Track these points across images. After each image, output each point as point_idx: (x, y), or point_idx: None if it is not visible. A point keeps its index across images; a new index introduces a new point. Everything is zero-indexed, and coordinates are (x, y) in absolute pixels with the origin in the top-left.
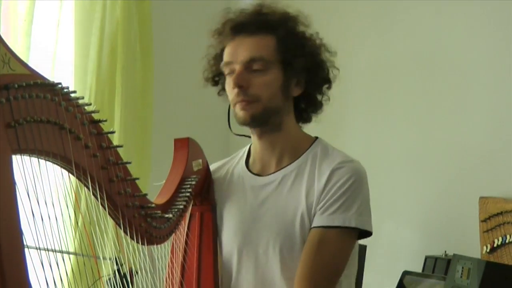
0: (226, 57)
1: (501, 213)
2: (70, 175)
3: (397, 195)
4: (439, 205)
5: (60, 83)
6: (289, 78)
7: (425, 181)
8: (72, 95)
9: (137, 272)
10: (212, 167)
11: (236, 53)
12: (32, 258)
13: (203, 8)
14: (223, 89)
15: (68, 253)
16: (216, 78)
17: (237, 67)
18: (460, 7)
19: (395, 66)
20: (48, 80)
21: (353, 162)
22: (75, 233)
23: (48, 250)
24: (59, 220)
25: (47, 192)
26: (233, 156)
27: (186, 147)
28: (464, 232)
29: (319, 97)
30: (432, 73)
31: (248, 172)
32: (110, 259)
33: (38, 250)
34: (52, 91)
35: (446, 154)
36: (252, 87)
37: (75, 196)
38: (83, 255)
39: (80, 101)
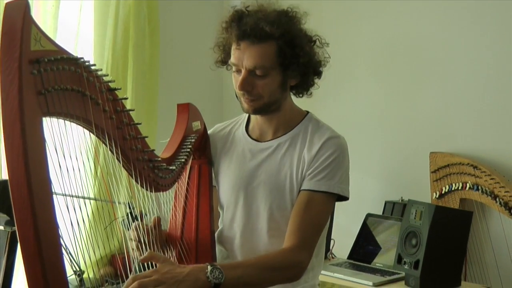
0: (233, 59)
1: (448, 165)
2: (91, 134)
3: (362, 150)
4: (397, 159)
5: (82, 58)
6: (287, 76)
7: (385, 139)
8: (92, 67)
9: (146, 214)
10: (216, 127)
11: (242, 58)
12: (59, 203)
13: None
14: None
15: (89, 198)
16: (224, 61)
17: (243, 71)
18: None
19: (362, 44)
20: (72, 55)
21: (339, 138)
22: (95, 182)
23: (72, 196)
24: (81, 171)
25: (71, 148)
26: (235, 120)
27: (187, 110)
28: (417, 181)
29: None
30: (393, 50)
31: (248, 137)
32: (124, 203)
33: (64, 196)
34: (76, 64)
35: (403, 117)
36: (255, 88)
37: (95, 151)
38: (101, 200)
39: (99, 73)
